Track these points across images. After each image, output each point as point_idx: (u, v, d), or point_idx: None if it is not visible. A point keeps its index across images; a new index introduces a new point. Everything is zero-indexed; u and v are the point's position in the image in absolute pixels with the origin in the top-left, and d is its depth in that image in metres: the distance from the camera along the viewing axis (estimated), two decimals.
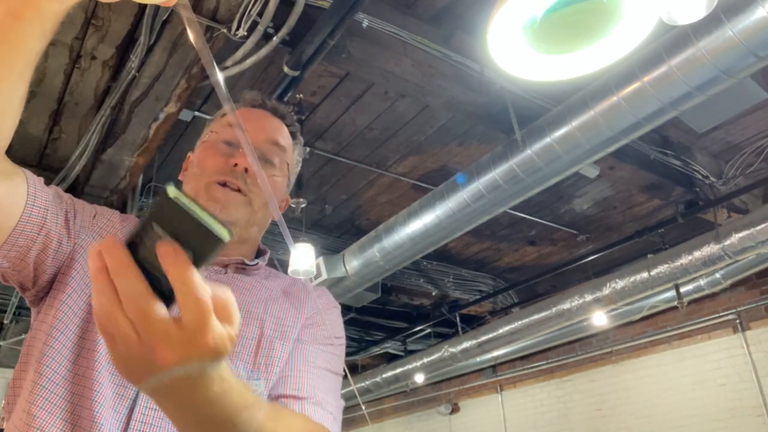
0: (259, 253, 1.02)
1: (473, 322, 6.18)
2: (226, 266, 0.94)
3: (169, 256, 0.44)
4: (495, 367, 7.01)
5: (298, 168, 1.09)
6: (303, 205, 2.79)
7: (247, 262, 0.96)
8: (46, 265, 0.82)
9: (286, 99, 2.50)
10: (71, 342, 0.80)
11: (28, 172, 0.82)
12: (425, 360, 6.21)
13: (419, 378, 6.48)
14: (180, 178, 1.03)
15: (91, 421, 0.74)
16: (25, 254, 0.80)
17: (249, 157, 0.87)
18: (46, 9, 0.59)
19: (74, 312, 0.82)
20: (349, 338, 6.03)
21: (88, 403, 0.75)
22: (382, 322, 6.20)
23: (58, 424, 0.74)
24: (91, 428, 0.73)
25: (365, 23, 2.45)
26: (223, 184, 0.91)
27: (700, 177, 3.63)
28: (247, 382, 0.79)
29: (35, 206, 0.79)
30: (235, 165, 0.92)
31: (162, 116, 2.70)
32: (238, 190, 0.91)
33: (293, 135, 1.06)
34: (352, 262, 3.97)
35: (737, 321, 4.98)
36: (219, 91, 0.70)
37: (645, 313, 5.09)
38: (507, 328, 5.35)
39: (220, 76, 0.76)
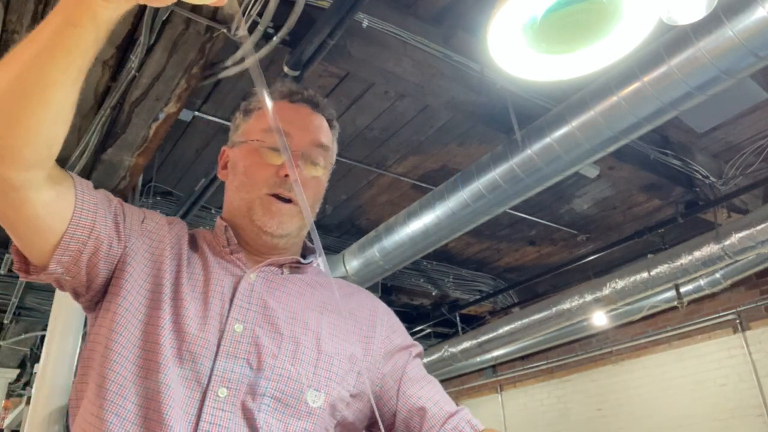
0: (306, 250, 1.03)
1: (473, 322, 6.18)
2: (281, 266, 0.95)
3: None
4: (495, 367, 7.01)
5: (335, 154, 1.08)
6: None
7: (302, 261, 0.98)
8: (98, 269, 0.83)
9: None
10: (133, 344, 0.80)
11: (76, 177, 0.83)
12: (425, 360, 6.21)
13: None
14: (219, 176, 1.03)
15: (161, 423, 0.74)
16: (77, 258, 0.81)
17: (291, 174, 0.90)
18: (101, 17, 0.63)
19: (132, 314, 0.82)
20: None
21: (157, 405, 0.76)
22: None
23: (130, 428, 0.75)
24: (162, 431, 0.74)
25: (365, 23, 2.45)
26: (276, 197, 0.92)
27: (700, 177, 3.63)
28: (308, 390, 0.83)
29: (84, 210, 0.81)
30: (286, 176, 0.91)
31: (162, 116, 2.70)
32: (290, 201, 0.92)
33: (331, 125, 1.04)
34: (352, 262, 3.98)
35: (737, 321, 4.98)
36: (271, 121, 0.71)
37: (645, 313, 5.09)
38: (507, 328, 5.35)
39: (268, 102, 0.81)
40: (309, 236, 1.03)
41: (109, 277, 0.85)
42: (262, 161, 0.94)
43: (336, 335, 0.91)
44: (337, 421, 0.87)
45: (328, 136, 1.02)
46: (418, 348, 1.01)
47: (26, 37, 0.66)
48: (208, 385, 0.78)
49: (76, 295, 0.88)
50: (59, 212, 0.78)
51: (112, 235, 0.84)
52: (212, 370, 0.79)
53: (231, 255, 0.93)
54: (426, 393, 0.92)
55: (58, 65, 0.65)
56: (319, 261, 1.03)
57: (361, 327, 0.96)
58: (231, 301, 0.86)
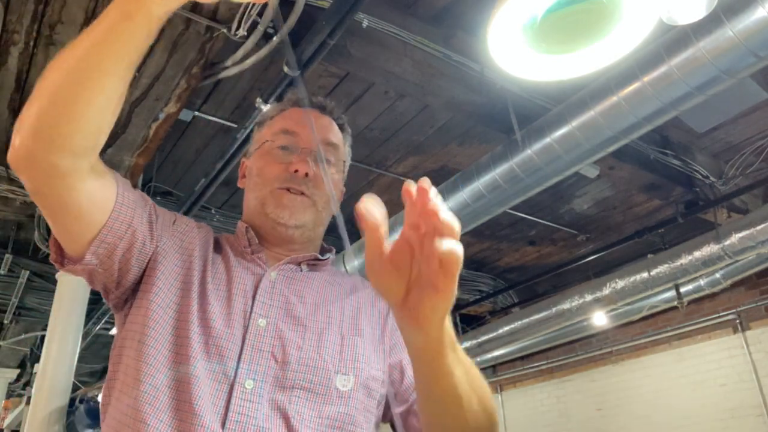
0: (324, 250, 1.06)
1: (473, 322, 6.18)
2: (299, 263, 0.99)
3: None
4: (495, 367, 7.01)
5: (349, 158, 1.13)
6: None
7: (320, 257, 1.01)
8: (130, 264, 0.86)
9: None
10: (165, 339, 0.83)
11: (117, 174, 0.87)
12: None
13: None
14: (239, 185, 1.09)
15: (192, 413, 0.77)
16: (112, 251, 0.84)
17: (313, 152, 0.97)
18: (154, 12, 0.67)
19: (164, 310, 0.85)
20: None
21: (188, 396, 0.78)
22: None
23: (165, 419, 0.77)
24: (193, 421, 0.77)
25: (365, 23, 2.45)
26: (287, 190, 0.97)
27: (700, 177, 3.63)
28: (336, 375, 0.86)
29: (123, 205, 0.84)
30: (296, 171, 0.97)
31: (162, 116, 2.70)
32: (302, 194, 0.97)
33: (342, 128, 1.10)
34: (353, 262, 3.98)
35: (737, 321, 4.98)
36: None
37: (645, 313, 5.08)
38: (507, 328, 5.35)
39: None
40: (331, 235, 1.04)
41: (139, 275, 0.89)
42: (273, 161, 0.99)
43: (358, 321, 0.94)
44: (378, 401, 0.90)
45: (337, 135, 1.07)
46: None
47: (84, 32, 0.70)
48: (234, 377, 0.81)
49: (106, 292, 0.90)
50: (101, 203, 0.81)
51: (146, 233, 0.88)
52: (238, 363, 0.82)
53: (252, 255, 0.97)
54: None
55: (112, 56, 0.69)
56: (346, 247, 1.07)
57: (380, 310, 0.99)
58: (254, 297, 0.89)
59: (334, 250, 1.08)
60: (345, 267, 4.02)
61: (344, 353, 0.89)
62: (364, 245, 0.62)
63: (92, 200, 0.80)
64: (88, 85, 0.69)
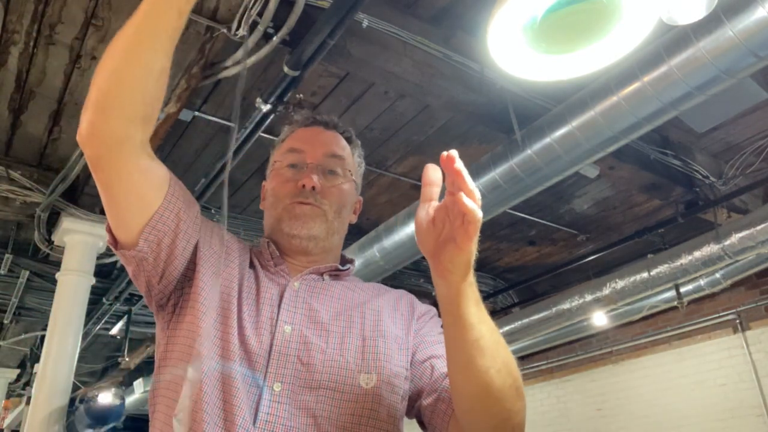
0: (345, 261, 1.13)
1: None
2: (322, 274, 1.06)
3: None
4: None
5: (362, 168, 1.21)
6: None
7: (341, 267, 1.09)
8: (174, 256, 0.93)
9: (286, 99, 2.50)
10: (210, 341, 0.90)
11: (171, 172, 0.96)
12: None
13: None
14: (261, 207, 1.16)
15: (232, 412, 0.84)
16: (161, 239, 0.90)
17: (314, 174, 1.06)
18: None
19: (210, 312, 0.92)
20: None
21: (229, 397, 0.85)
22: None
23: (215, 413, 0.84)
24: (234, 419, 0.84)
25: (365, 23, 2.45)
26: (298, 203, 1.04)
27: (700, 177, 3.63)
28: (359, 374, 0.92)
29: (174, 195, 0.92)
30: (303, 186, 1.04)
31: (162, 116, 2.70)
32: (311, 204, 1.04)
33: (349, 140, 1.17)
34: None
35: (737, 321, 4.98)
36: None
37: (645, 313, 5.08)
38: (507, 328, 5.35)
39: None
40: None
41: (182, 270, 0.95)
42: (284, 179, 1.07)
43: (380, 323, 1.00)
44: (402, 396, 0.95)
45: (342, 147, 1.14)
46: (432, 311, 1.09)
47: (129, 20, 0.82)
48: (264, 381, 0.88)
49: (149, 288, 0.95)
50: (155, 182, 0.91)
51: (191, 230, 0.95)
52: (267, 367, 0.89)
53: (276, 267, 1.04)
54: (436, 350, 1.00)
55: (149, 30, 0.81)
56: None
57: (402, 313, 1.05)
58: (279, 306, 0.96)
59: (355, 261, 1.16)
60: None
61: (366, 353, 0.95)
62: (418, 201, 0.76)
63: (146, 176, 0.89)
64: (131, 59, 0.81)
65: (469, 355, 0.80)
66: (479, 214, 0.70)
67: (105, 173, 0.88)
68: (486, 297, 5.73)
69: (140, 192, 0.89)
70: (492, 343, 0.81)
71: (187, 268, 0.96)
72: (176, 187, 0.93)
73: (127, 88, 0.82)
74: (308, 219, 1.03)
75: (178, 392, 0.87)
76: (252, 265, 1.04)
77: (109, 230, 0.94)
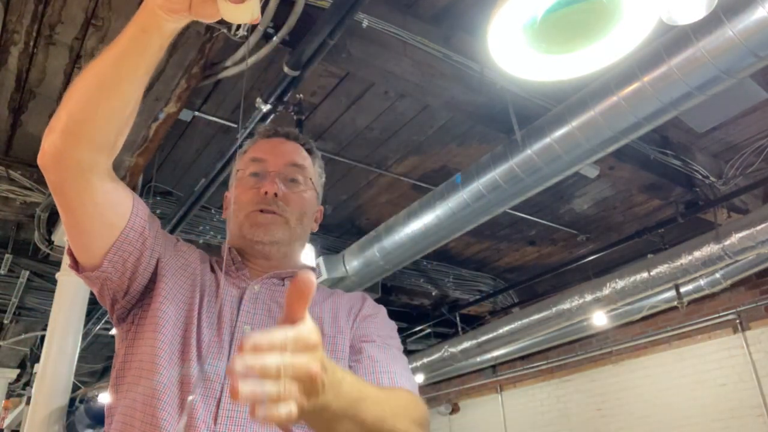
0: (305, 268, 1.14)
1: (473, 322, 6.18)
2: (283, 279, 1.08)
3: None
4: (495, 367, 7.01)
5: (323, 179, 1.24)
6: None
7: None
8: (137, 273, 0.95)
9: (286, 99, 2.49)
10: (175, 348, 0.92)
11: (132, 191, 0.97)
12: (425, 360, 6.21)
13: (419, 378, 6.48)
14: (223, 216, 1.19)
15: (195, 417, 0.86)
16: (126, 258, 0.92)
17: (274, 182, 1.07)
18: (165, 27, 0.78)
19: (170, 320, 0.94)
20: None
21: (186, 396, 0.87)
22: None
23: (171, 412, 0.86)
24: (192, 414, 0.85)
25: (365, 23, 2.45)
26: (260, 211, 1.06)
27: (700, 177, 3.62)
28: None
29: (138, 216, 0.94)
30: (265, 193, 1.06)
31: (162, 116, 2.70)
32: (273, 213, 1.06)
33: (309, 151, 1.20)
34: (352, 262, 3.97)
35: (737, 321, 4.98)
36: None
37: (645, 313, 5.08)
38: (507, 328, 5.35)
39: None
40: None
41: (145, 284, 0.97)
42: (246, 187, 1.10)
43: (338, 320, 1.04)
44: None
45: (302, 157, 1.16)
46: (380, 312, 1.11)
47: (108, 44, 0.82)
48: (225, 379, 0.90)
49: (113, 303, 0.98)
50: (118, 206, 0.91)
51: (154, 245, 0.97)
52: (227, 366, 0.89)
53: (237, 272, 1.07)
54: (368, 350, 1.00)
55: (130, 63, 0.80)
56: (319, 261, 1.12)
57: (351, 310, 1.08)
58: (239, 308, 0.99)
59: (316, 270, 1.16)
60: (345, 267, 4.02)
61: (325, 350, 0.93)
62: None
63: (109, 201, 0.89)
64: (109, 88, 0.81)
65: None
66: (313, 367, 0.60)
67: (68, 198, 0.88)
68: (486, 297, 5.73)
69: (104, 216, 0.90)
70: (380, 402, 0.78)
71: (149, 281, 0.98)
72: (139, 207, 0.94)
73: (102, 118, 0.82)
74: (270, 226, 1.05)
75: (137, 401, 0.89)
76: (212, 271, 1.07)
77: (70, 253, 0.94)
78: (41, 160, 0.85)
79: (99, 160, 0.86)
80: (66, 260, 0.95)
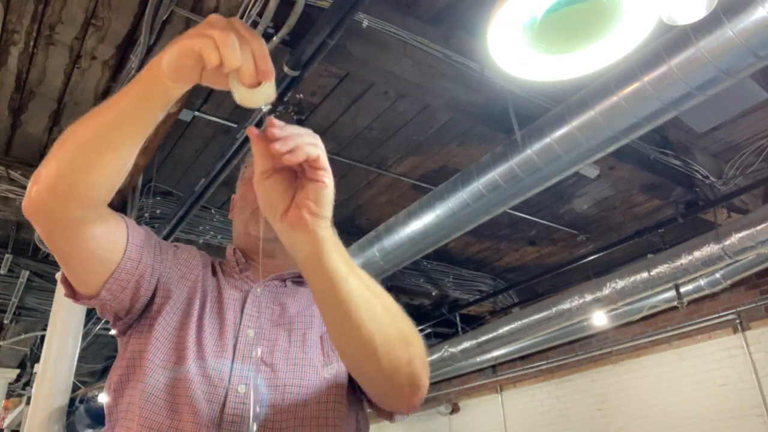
0: None
1: (473, 322, 6.18)
2: (284, 280, 1.08)
3: None
4: (495, 367, 7.00)
5: None
6: None
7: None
8: (139, 294, 0.95)
9: (286, 99, 2.49)
10: (164, 353, 0.93)
11: (125, 217, 0.95)
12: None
13: None
14: (230, 217, 1.20)
15: (190, 414, 0.86)
16: (125, 286, 0.92)
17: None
18: (170, 94, 0.74)
19: (165, 329, 0.95)
20: None
21: (187, 399, 0.87)
22: None
23: (165, 422, 0.86)
24: (193, 420, 0.85)
25: (365, 23, 2.45)
26: None
27: (700, 177, 3.62)
28: (323, 368, 0.95)
29: (133, 245, 0.92)
30: None
31: (162, 116, 2.70)
32: None
33: None
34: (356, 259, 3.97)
35: (737, 321, 4.98)
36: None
37: (645, 313, 5.08)
38: (507, 328, 5.35)
39: None
40: None
41: (146, 302, 0.98)
42: (251, 187, 1.07)
43: None
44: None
45: None
46: None
47: (104, 103, 0.77)
48: (229, 383, 0.90)
49: (116, 319, 0.98)
50: (113, 243, 0.89)
51: (153, 266, 0.97)
52: (231, 371, 0.92)
53: (240, 273, 1.07)
54: None
55: (129, 129, 0.77)
56: None
57: None
58: (242, 311, 0.99)
59: None
60: None
61: (325, 347, 0.98)
62: (254, 161, 0.75)
63: (102, 244, 0.87)
64: (108, 153, 0.77)
65: (345, 311, 0.77)
66: (316, 151, 0.72)
67: (58, 247, 0.86)
68: (486, 297, 5.73)
69: (99, 257, 0.88)
70: (368, 294, 0.79)
71: (152, 295, 0.98)
72: (134, 235, 0.93)
73: (94, 179, 0.78)
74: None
75: (133, 403, 0.89)
76: (214, 274, 1.07)
77: (65, 282, 0.93)
78: (27, 210, 0.82)
79: (89, 216, 0.83)
80: (61, 289, 0.95)
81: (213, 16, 0.70)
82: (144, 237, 0.96)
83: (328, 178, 0.73)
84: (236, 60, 0.66)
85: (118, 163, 0.79)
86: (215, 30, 0.67)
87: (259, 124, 2.64)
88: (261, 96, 0.70)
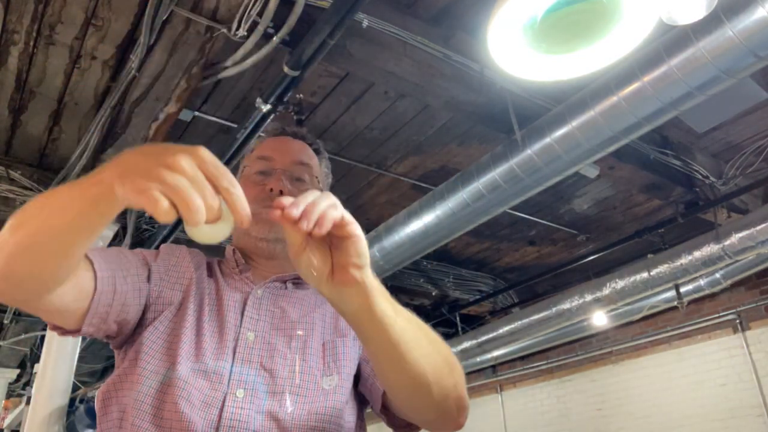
0: None
1: (473, 322, 6.18)
2: (285, 282, 1.07)
3: None
4: (495, 367, 7.00)
5: (329, 179, 1.24)
6: None
7: None
8: (127, 320, 0.94)
9: (286, 99, 2.49)
10: (158, 361, 0.91)
11: (90, 252, 0.91)
12: None
13: None
14: None
15: (185, 421, 0.85)
16: (105, 318, 0.90)
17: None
18: (122, 201, 0.67)
19: (159, 335, 0.94)
20: None
21: (179, 406, 0.86)
22: None
23: (148, 420, 0.85)
24: (188, 427, 0.84)
25: (365, 23, 2.45)
26: (266, 208, 1.03)
27: (700, 177, 3.62)
28: (322, 378, 0.95)
29: (103, 281, 0.89)
30: (270, 190, 1.07)
31: (162, 116, 2.70)
32: None
33: (316, 151, 1.21)
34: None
35: (737, 321, 4.98)
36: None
37: (645, 313, 5.08)
38: (507, 328, 5.35)
39: None
40: None
41: (138, 319, 0.96)
42: (252, 185, 1.10)
43: (338, 323, 1.03)
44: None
45: (309, 156, 1.17)
46: None
47: (47, 203, 0.73)
48: (227, 387, 0.89)
49: (108, 338, 0.97)
50: (81, 291, 0.86)
51: (134, 289, 0.94)
52: (230, 375, 0.91)
53: (240, 274, 1.06)
54: None
55: (81, 233, 0.73)
56: None
57: None
58: (242, 313, 0.98)
59: None
60: None
61: (326, 357, 0.98)
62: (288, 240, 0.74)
63: (68, 300, 0.84)
64: (57, 255, 0.74)
65: (398, 353, 0.77)
66: (338, 212, 0.70)
67: (25, 308, 0.85)
68: (486, 297, 5.73)
69: (67, 305, 0.85)
70: (414, 331, 0.80)
71: (144, 309, 0.96)
72: (102, 272, 0.88)
73: (45, 276, 0.76)
74: (274, 223, 1.00)
75: (128, 405, 0.88)
76: (212, 274, 1.05)
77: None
78: None
79: (49, 295, 0.80)
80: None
81: (177, 152, 0.62)
82: (115, 268, 0.92)
83: (358, 230, 0.72)
84: (200, 218, 0.61)
85: (66, 261, 0.76)
86: (173, 181, 0.60)
87: (258, 126, 2.64)
88: (219, 233, 0.67)
